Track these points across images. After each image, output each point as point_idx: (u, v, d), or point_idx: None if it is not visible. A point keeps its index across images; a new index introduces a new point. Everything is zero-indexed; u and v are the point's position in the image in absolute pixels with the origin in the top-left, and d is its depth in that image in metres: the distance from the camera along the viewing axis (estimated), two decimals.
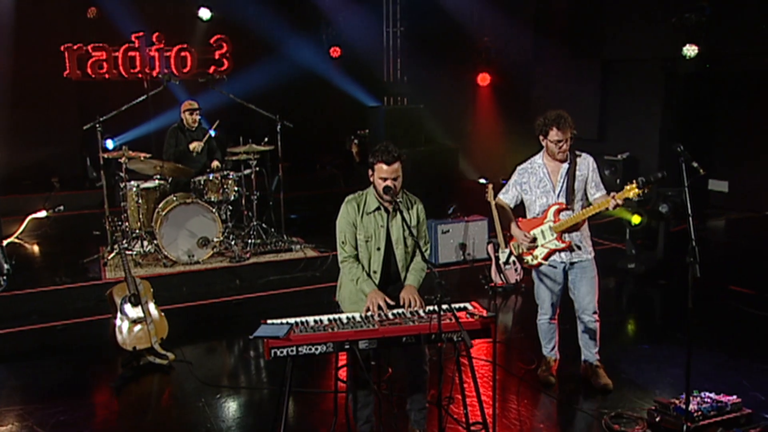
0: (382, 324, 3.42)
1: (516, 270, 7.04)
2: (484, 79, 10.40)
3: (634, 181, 4.22)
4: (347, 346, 3.32)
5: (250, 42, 10.26)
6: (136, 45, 9.67)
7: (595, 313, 4.59)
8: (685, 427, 3.88)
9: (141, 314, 5.12)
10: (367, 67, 10.98)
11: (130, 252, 6.72)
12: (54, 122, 7.03)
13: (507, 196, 4.63)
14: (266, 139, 7.30)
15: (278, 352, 3.24)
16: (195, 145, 7.06)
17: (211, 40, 10.23)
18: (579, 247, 4.49)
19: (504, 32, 10.24)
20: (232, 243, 6.86)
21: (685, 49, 7.93)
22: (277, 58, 10.29)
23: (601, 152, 9.39)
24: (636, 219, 7.38)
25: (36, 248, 7.83)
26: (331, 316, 3.54)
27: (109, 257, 6.66)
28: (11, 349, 5.36)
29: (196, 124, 7.32)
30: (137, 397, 4.79)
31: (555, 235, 4.44)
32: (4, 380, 4.94)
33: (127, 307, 5.11)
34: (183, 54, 10.00)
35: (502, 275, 6.97)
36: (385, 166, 3.60)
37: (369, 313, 3.55)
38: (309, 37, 10.64)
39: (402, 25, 11.53)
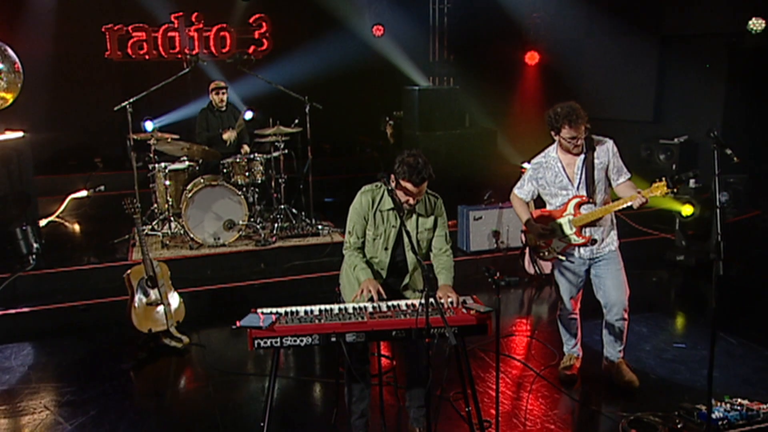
0: (372, 317, 3.29)
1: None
2: (532, 57, 10.03)
3: (663, 179, 3.98)
4: (334, 339, 3.21)
5: (291, 21, 10.20)
6: (176, 25, 9.79)
7: (624, 309, 4.35)
8: None
9: (157, 297, 5.19)
10: (411, 47, 10.75)
11: (157, 233, 6.83)
12: (97, 103, 7.17)
13: (522, 191, 4.44)
14: (296, 121, 7.22)
15: (262, 343, 3.18)
16: (228, 135, 7.14)
17: (251, 20, 10.24)
18: (598, 241, 4.26)
19: (554, 8, 9.82)
20: (258, 226, 6.85)
21: (750, 23, 7.41)
22: (318, 38, 10.22)
23: (656, 135, 8.94)
24: (687, 210, 6.96)
25: (74, 227, 8.07)
26: (323, 307, 3.45)
27: (132, 238, 6.79)
28: (34, 327, 5.54)
29: (224, 104, 7.35)
30: (148, 379, 4.87)
31: (574, 230, 4.24)
32: (23, 357, 5.11)
33: (144, 290, 5.18)
34: (222, 34, 10.06)
35: (535, 265, 6.68)
36: (411, 186, 3.45)
37: (359, 303, 3.43)
38: (351, 16, 10.46)
39: (449, 2, 11.25)
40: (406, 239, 3.55)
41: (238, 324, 3.26)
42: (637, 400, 4.30)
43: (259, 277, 6.34)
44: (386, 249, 3.68)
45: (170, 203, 6.83)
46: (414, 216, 3.67)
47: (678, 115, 8.89)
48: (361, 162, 10.50)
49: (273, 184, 7.25)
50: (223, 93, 7.23)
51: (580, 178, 4.20)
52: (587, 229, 4.23)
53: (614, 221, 4.35)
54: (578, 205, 4.21)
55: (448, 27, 11.46)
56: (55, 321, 5.62)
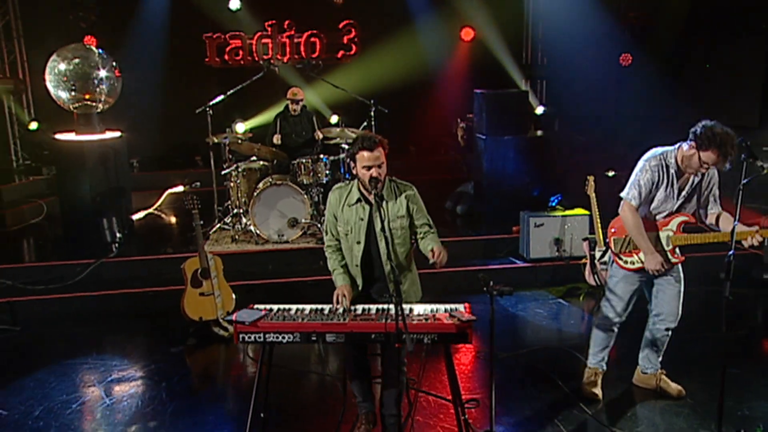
0: (354, 319, 3.36)
1: None
2: (625, 59, 9.52)
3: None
4: (314, 338, 3.32)
5: (379, 26, 10.38)
6: (269, 33, 10.29)
7: (673, 321, 4.22)
8: None
9: (210, 287, 5.54)
10: (503, 49, 10.59)
11: (229, 228, 7.26)
12: (198, 105, 7.75)
13: (636, 199, 4.01)
14: (365, 124, 7.38)
15: (246, 338, 3.35)
16: (277, 138, 7.51)
17: (340, 25, 10.54)
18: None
19: (653, 6, 9.27)
20: (320, 225, 7.07)
21: None
22: (407, 41, 10.33)
23: (761, 142, 8.19)
24: None
25: (169, 219, 8.73)
26: (315, 306, 3.56)
27: (210, 232, 7.24)
28: (106, 309, 6.11)
29: (298, 112, 7.67)
30: (193, 365, 5.21)
31: (670, 247, 4.06)
32: (88, 336, 5.66)
33: (197, 280, 5.54)
34: (312, 40, 10.43)
35: (596, 276, 6.45)
36: (366, 153, 3.51)
37: (337, 307, 3.51)
38: (440, 19, 10.48)
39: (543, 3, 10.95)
40: (376, 227, 3.57)
41: (234, 317, 3.44)
42: (665, 426, 4.05)
43: (315, 274, 6.54)
44: (358, 243, 3.69)
45: (242, 200, 7.22)
46: (384, 204, 3.60)
47: None
48: (444, 163, 10.50)
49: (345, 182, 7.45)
50: (295, 104, 7.57)
51: (686, 197, 4.01)
52: (678, 249, 4.08)
53: None
54: (681, 224, 4.05)
55: (543, 29, 11.15)
56: (127, 304, 6.16)
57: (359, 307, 3.52)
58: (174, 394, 4.61)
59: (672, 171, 3.95)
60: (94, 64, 7.33)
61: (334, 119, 7.66)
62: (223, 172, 7.31)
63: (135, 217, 8.12)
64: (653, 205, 4.06)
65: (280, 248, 6.87)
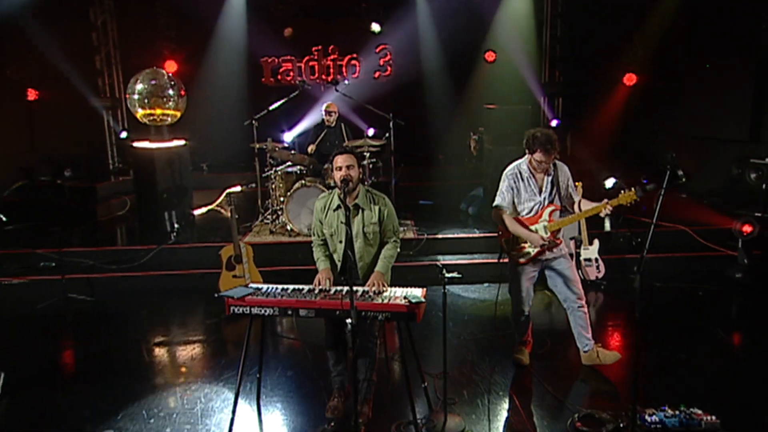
0: (324, 298, 3.59)
1: (597, 268, 6.47)
2: (630, 78, 9.34)
3: (633, 189, 4.07)
4: (290, 312, 3.57)
5: (412, 50, 10.56)
6: (316, 56, 10.64)
7: (579, 299, 4.42)
8: None
9: (241, 271, 5.90)
10: (524, 69, 10.58)
11: (268, 222, 7.63)
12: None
13: (504, 202, 4.43)
14: (387, 135, 7.58)
15: (236, 310, 3.64)
16: (311, 148, 7.74)
17: (377, 49, 10.76)
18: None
19: (655, 30, 9.07)
20: None
21: None
22: (436, 64, 10.49)
23: (752, 154, 7.90)
24: (747, 228, 6.17)
25: (224, 214, 9.18)
26: (297, 286, 3.81)
27: (254, 225, 7.64)
28: (166, 287, 6.58)
29: (333, 123, 7.93)
30: (222, 333, 5.57)
31: (549, 233, 4.32)
32: (147, 307, 6.13)
33: (231, 265, 5.91)
34: (353, 62, 10.70)
35: (581, 271, 6.45)
36: (339, 157, 3.79)
37: (317, 287, 3.75)
38: (465, 43, 10.56)
39: (562, 25, 10.86)
40: (354, 229, 3.84)
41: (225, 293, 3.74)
42: (602, 399, 4.11)
43: None
44: (340, 242, 3.95)
45: (280, 199, 7.57)
46: (360, 212, 3.87)
47: None
48: (466, 171, 10.56)
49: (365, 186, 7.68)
50: (329, 115, 7.84)
51: (548, 191, 4.32)
52: (558, 234, 4.35)
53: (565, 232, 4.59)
54: (552, 213, 4.33)
55: (560, 49, 11.04)
56: (179, 283, 6.62)
57: (333, 289, 3.75)
58: (202, 353, 5.03)
59: (526, 175, 4.33)
60: (164, 85, 7.85)
61: (370, 132, 7.89)
62: (263, 175, 7.69)
63: (196, 212, 8.61)
64: (524, 204, 4.36)
65: (308, 240, 7.11)
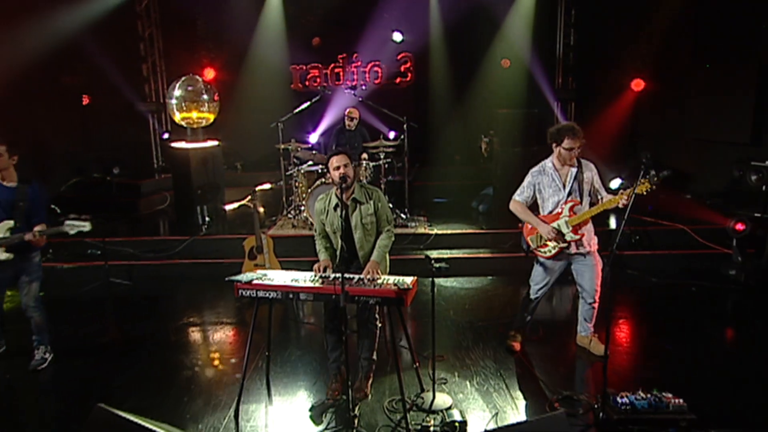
0: (322, 284, 3.72)
1: None
2: (638, 84, 9.20)
3: (647, 178, 3.96)
4: (291, 296, 3.72)
5: (433, 57, 10.63)
6: (341, 63, 10.80)
7: (595, 296, 4.46)
8: (601, 414, 3.58)
9: (262, 260, 6.09)
10: (538, 75, 10.52)
11: (291, 217, 7.82)
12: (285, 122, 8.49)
13: (522, 197, 4.48)
14: (401, 137, 7.69)
15: (243, 293, 3.80)
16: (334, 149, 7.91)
17: (398, 57, 10.86)
18: (584, 240, 4.36)
19: (662, 38, 8.92)
20: None
21: None
22: (455, 69, 10.53)
23: (754, 157, 7.72)
24: (740, 227, 6.06)
25: (251, 210, 9.42)
26: (299, 273, 3.94)
27: (278, 219, 7.85)
28: (197, 273, 6.86)
29: (354, 128, 8.07)
30: (248, 319, 5.72)
31: (570, 228, 4.30)
32: (179, 292, 6.44)
33: (253, 254, 6.11)
34: (375, 69, 10.83)
35: None
36: (334, 159, 3.90)
37: (317, 274, 3.89)
38: (482, 50, 10.57)
39: (574, 34, 10.75)
40: (352, 222, 3.97)
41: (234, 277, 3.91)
42: (583, 383, 4.17)
43: None
44: (341, 237, 4.05)
45: (302, 196, 7.75)
46: (357, 206, 3.98)
47: None
48: (478, 171, 10.58)
49: (381, 184, 7.78)
50: (350, 119, 7.98)
51: (572, 186, 4.30)
52: (580, 229, 4.32)
53: (593, 228, 4.45)
54: (572, 208, 4.30)
55: (573, 57, 10.94)
56: (209, 270, 6.87)
57: (330, 276, 3.88)
58: (226, 333, 5.27)
59: (550, 171, 4.33)
60: (199, 91, 8.13)
61: (391, 135, 8.00)
62: (287, 173, 7.88)
63: (227, 207, 8.86)
64: (550, 200, 4.34)
65: None
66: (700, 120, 8.52)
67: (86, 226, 4.24)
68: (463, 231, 7.47)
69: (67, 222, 4.25)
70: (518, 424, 3.30)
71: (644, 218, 7.39)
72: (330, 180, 7.26)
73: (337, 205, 4.03)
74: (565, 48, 10.93)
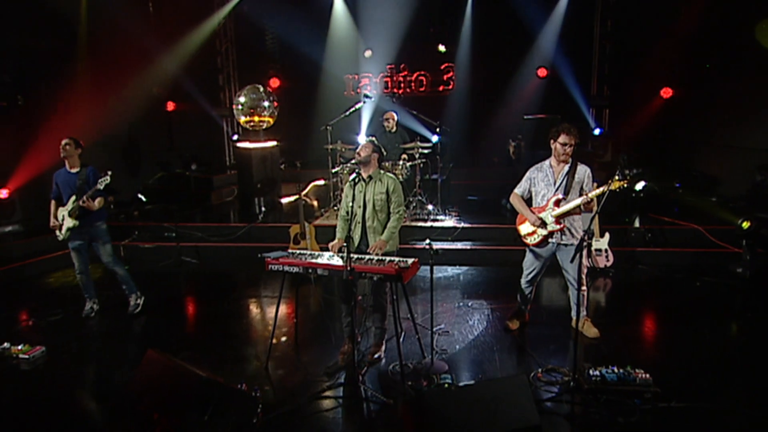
0: (337, 262, 4.15)
1: (607, 258, 6.52)
2: (666, 92, 9.03)
3: (616, 176, 4.16)
4: (310, 271, 4.17)
5: (474, 66, 10.83)
6: (389, 73, 11.20)
7: (580, 282, 4.57)
8: (571, 383, 3.82)
9: (305, 246, 6.61)
10: (573, 83, 10.50)
11: (336, 210, 8.30)
12: (339, 125, 8.99)
13: (520, 190, 4.77)
14: (436, 139, 7.98)
15: (273, 267, 4.28)
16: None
17: (441, 67, 11.11)
18: (570, 231, 4.57)
19: (685, 46, 8.72)
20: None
21: None
22: (494, 80, 10.69)
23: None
24: (746, 224, 5.96)
25: (312, 203, 9.98)
26: (324, 253, 4.39)
27: (326, 212, 8.38)
28: (250, 256, 7.33)
29: (394, 130, 8.43)
30: (293, 294, 6.22)
31: (553, 219, 4.55)
32: (239, 270, 7.04)
33: (297, 240, 6.64)
34: (420, 78, 11.14)
35: (590, 260, 6.53)
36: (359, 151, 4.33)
37: (334, 253, 4.31)
38: (520, 61, 10.65)
39: (609, 44, 10.63)
40: (366, 196, 4.34)
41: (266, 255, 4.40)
42: (568, 360, 4.34)
43: None
44: (360, 207, 4.43)
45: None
46: (372, 183, 4.38)
47: None
48: (509, 172, 10.67)
49: (418, 182, 8.11)
50: (387, 122, 8.34)
51: (562, 182, 4.52)
52: (562, 220, 4.53)
53: (580, 221, 4.62)
54: (557, 202, 4.53)
55: (608, 67, 10.82)
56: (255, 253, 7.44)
57: (343, 254, 4.29)
58: (271, 302, 5.81)
59: (546, 169, 4.58)
60: (261, 98, 8.78)
61: (434, 138, 8.33)
62: (333, 170, 8.39)
63: (283, 200, 9.48)
64: (541, 194, 4.59)
65: None
66: (726, 127, 8.29)
67: (107, 179, 5.17)
68: (489, 225, 7.69)
69: (99, 181, 5.17)
70: (486, 381, 3.58)
71: (662, 218, 7.32)
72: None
73: (354, 180, 4.42)
74: (601, 57, 10.82)
